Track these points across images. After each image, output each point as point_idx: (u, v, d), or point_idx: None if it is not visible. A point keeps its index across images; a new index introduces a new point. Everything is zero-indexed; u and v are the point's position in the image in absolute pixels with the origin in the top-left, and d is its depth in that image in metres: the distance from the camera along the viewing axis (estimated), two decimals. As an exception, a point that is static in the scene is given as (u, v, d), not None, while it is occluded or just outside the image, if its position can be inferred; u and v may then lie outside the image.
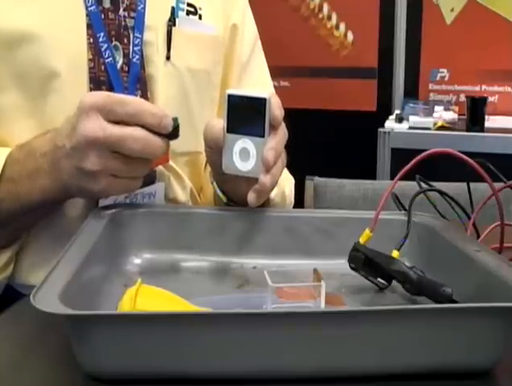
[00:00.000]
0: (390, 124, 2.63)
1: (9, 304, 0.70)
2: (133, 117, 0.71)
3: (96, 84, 0.86)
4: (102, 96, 0.73)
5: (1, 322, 0.66)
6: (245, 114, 0.74)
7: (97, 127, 0.70)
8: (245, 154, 0.74)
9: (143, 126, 0.72)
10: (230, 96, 0.74)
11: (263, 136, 0.74)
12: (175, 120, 0.74)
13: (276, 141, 0.75)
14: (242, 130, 0.74)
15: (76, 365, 0.54)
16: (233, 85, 1.04)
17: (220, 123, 0.76)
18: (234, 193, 0.83)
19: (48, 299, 0.52)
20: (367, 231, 0.72)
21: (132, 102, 0.72)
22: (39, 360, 0.58)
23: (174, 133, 0.75)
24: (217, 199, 0.86)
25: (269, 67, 1.11)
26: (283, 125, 0.76)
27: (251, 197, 0.74)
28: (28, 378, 0.56)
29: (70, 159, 0.73)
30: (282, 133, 0.76)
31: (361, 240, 0.72)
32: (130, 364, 0.53)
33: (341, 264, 0.73)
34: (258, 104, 0.73)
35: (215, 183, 0.85)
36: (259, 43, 1.09)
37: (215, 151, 0.78)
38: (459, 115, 2.72)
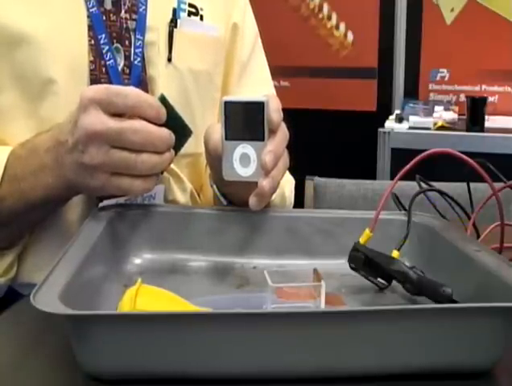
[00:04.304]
0: (390, 124, 2.63)
1: (9, 306, 0.70)
2: (132, 109, 0.71)
3: None
4: (101, 88, 0.72)
5: (1, 322, 0.66)
6: (243, 120, 0.73)
7: (96, 120, 0.70)
8: (245, 160, 0.73)
9: (143, 118, 0.72)
10: (227, 103, 0.73)
11: (263, 139, 0.73)
12: (162, 98, 0.74)
13: (275, 143, 0.73)
14: (241, 136, 0.73)
15: (76, 365, 0.54)
16: (233, 85, 1.04)
17: (219, 131, 0.75)
18: (235, 196, 0.83)
19: (48, 299, 0.52)
20: (367, 231, 0.72)
21: (131, 93, 0.72)
22: (39, 360, 0.58)
23: (180, 130, 0.74)
24: (217, 201, 0.86)
25: (269, 67, 1.10)
26: (283, 126, 0.75)
27: (252, 201, 0.73)
28: (28, 378, 0.56)
29: (72, 154, 0.73)
30: (282, 135, 0.75)
31: (361, 240, 0.72)
32: (130, 364, 0.53)
33: (341, 264, 0.73)
34: (256, 108, 0.73)
35: (215, 186, 0.85)
36: (260, 42, 1.09)
37: (215, 157, 0.77)
38: (459, 115, 2.72)
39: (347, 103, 2.99)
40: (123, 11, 0.90)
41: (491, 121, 2.61)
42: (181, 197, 0.96)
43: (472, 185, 0.87)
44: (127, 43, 0.90)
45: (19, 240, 0.85)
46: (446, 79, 2.92)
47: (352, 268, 0.72)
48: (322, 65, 3.02)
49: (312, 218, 0.81)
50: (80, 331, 0.52)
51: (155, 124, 0.72)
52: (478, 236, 0.81)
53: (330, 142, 3.01)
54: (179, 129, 0.75)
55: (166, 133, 0.73)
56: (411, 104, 2.77)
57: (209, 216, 0.80)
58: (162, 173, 0.78)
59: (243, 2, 1.06)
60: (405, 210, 0.79)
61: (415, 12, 2.89)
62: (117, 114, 0.71)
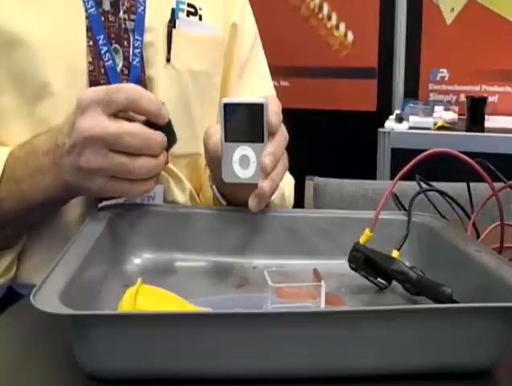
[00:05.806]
0: (390, 124, 2.63)
1: (9, 307, 0.69)
2: (133, 103, 0.71)
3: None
4: (100, 89, 0.72)
5: (1, 323, 0.66)
6: (242, 121, 0.73)
7: (94, 124, 0.70)
8: (245, 161, 0.73)
9: (142, 114, 0.72)
10: (226, 105, 0.73)
11: (263, 141, 0.73)
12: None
13: (274, 145, 0.73)
14: (241, 138, 0.73)
15: (76, 365, 0.54)
16: (232, 85, 1.04)
17: (218, 131, 0.74)
18: (234, 197, 0.83)
19: (48, 299, 0.52)
20: (367, 231, 0.72)
21: (131, 88, 0.72)
22: (39, 360, 0.58)
23: (170, 135, 0.74)
24: (217, 202, 0.86)
25: (269, 67, 1.10)
26: (283, 127, 0.75)
27: (252, 202, 0.73)
28: (28, 378, 0.56)
29: (69, 157, 0.73)
30: (282, 136, 0.75)
31: (361, 240, 0.72)
32: (129, 364, 0.53)
33: (341, 264, 0.73)
34: (256, 110, 0.72)
35: (214, 187, 0.85)
36: (259, 41, 1.09)
37: (215, 158, 0.77)
38: (459, 115, 2.72)
39: (347, 103, 2.99)
40: (121, 12, 0.90)
41: (491, 121, 2.61)
42: (180, 197, 0.96)
43: (472, 185, 0.87)
44: (126, 43, 0.90)
45: (18, 241, 0.85)
46: (446, 79, 2.92)
47: (352, 268, 0.72)
48: (322, 65, 3.02)
49: (312, 218, 0.81)
50: (80, 331, 0.52)
51: (152, 125, 0.72)
52: (478, 236, 0.81)
53: (330, 142, 3.01)
54: (169, 135, 0.75)
55: (161, 136, 0.73)
56: (411, 104, 2.77)
57: (209, 216, 0.80)
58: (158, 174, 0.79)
59: (242, 2, 1.06)
60: (405, 210, 0.79)
61: (415, 12, 2.89)
62: (117, 114, 0.71)
